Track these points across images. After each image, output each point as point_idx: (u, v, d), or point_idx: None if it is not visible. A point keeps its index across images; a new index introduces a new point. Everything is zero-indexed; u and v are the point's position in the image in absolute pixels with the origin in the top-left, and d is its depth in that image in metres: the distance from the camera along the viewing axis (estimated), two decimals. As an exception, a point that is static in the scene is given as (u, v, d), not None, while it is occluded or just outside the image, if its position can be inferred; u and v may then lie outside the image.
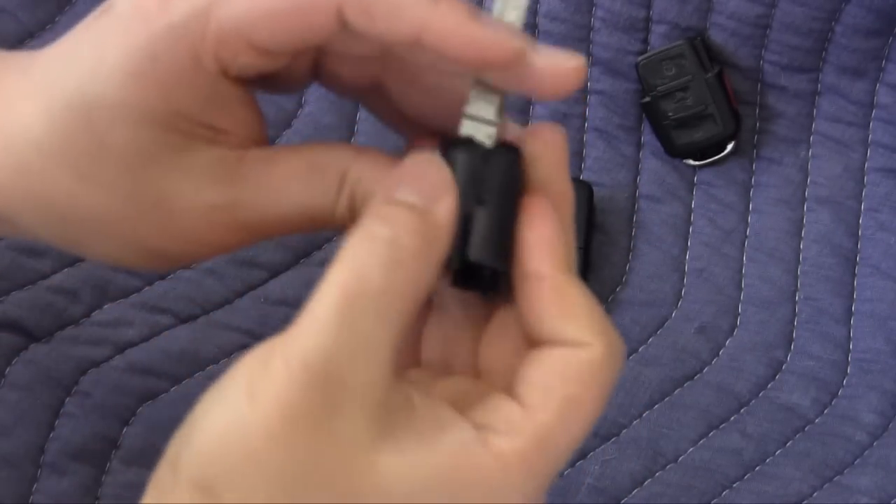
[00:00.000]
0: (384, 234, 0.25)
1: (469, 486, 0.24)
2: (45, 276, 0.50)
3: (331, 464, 0.23)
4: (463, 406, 0.26)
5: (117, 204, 0.28)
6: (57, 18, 0.54)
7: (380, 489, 0.23)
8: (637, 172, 0.59)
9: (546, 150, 0.28)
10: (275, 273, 0.54)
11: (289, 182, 0.28)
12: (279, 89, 0.31)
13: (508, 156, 0.27)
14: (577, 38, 0.57)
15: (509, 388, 0.27)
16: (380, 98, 0.30)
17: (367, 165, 0.28)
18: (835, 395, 0.56)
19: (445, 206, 0.26)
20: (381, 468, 0.23)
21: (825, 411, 0.55)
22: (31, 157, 0.28)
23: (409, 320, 0.25)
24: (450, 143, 0.27)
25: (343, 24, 0.26)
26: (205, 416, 0.24)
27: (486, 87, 0.27)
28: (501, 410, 0.26)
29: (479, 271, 0.28)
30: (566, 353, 0.26)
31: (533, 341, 0.27)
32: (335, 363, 0.24)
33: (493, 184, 0.27)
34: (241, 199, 0.28)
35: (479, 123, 0.27)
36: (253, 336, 0.52)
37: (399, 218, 0.25)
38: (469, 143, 0.27)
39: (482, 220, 0.27)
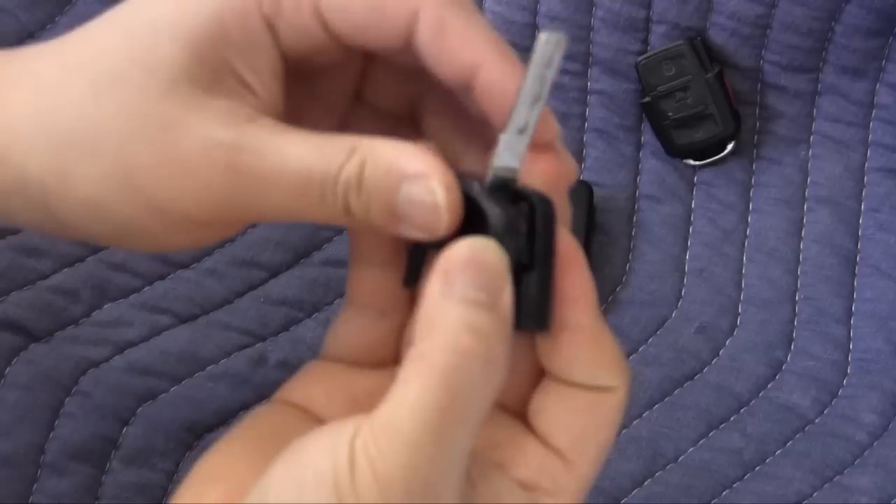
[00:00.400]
0: (479, 351, 0.24)
1: None
2: (45, 276, 0.50)
3: None
4: (492, 445, 0.27)
5: (124, 121, 0.27)
6: (57, 18, 0.54)
7: None
8: (637, 172, 0.59)
9: (561, 204, 0.28)
10: (275, 273, 0.54)
11: (297, 141, 0.28)
12: (312, 100, 0.31)
13: (549, 212, 0.26)
14: (577, 38, 0.57)
15: (524, 418, 0.28)
16: (407, 129, 0.31)
17: (382, 142, 0.28)
18: (835, 395, 0.56)
19: (507, 297, 0.25)
20: None
21: (825, 411, 0.55)
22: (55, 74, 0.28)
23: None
24: (483, 197, 0.26)
25: (410, 37, 0.28)
26: None
27: (515, 138, 0.27)
28: (545, 467, 0.26)
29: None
30: (600, 398, 0.27)
31: (552, 375, 0.28)
32: (430, 486, 0.23)
33: (540, 246, 0.26)
34: (246, 144, 0.27)
35: (503, 173, 0.27)
36: (253, 336, 0.52)
37: (484, 325, 0.24)
38: (503, 198, 0.26)
39: (532, 286, 0.26)
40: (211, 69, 0.28)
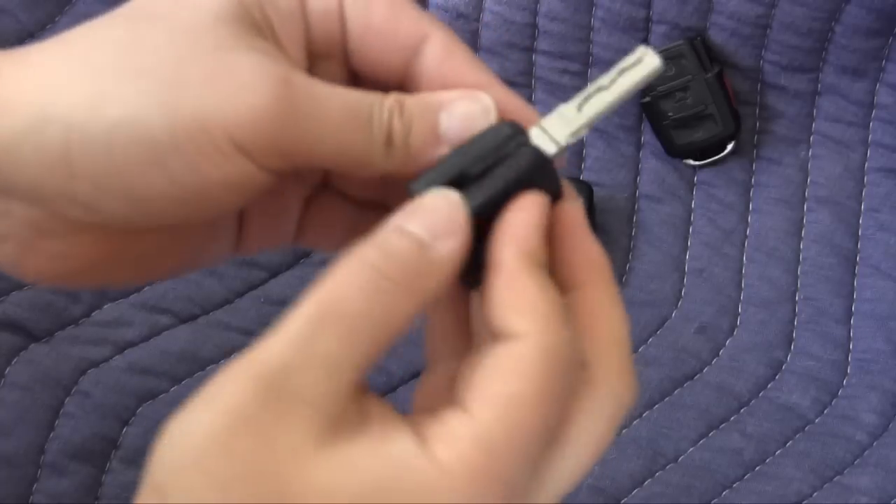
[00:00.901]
0: (372, 260, 0.25)
1: (408, 493, 0.24)
2: (45, 276, 0.50)
3: (266, 468, 0.24)
4: (428, 415, 0.26)
5: (169, 44, 0.27)
6: (57, 18, 0.54)
7: (314, 495, 0.24)
8: (637, 172, 0.59)
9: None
10: (275, 273, 0.54)
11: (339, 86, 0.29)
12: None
13: (530, 164, 0.27)
14: (577, 38, 0.57)
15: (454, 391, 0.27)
16: (375, 215, 0.31)
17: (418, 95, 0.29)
18: (835, 395, 0.56)
19: (449, 246, 0.26)
20: (317, 475, 0.24)
21: (825, 411, 0.55)
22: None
23: (383, 346, 0.25)
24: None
25: (413, 58, 0.29)
26: (171, 422, 0.25)
27: (581, 122, 0.28)
28: (447, 418, 0.26)
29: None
30: (505, 347, 0.26)
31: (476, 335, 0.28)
32: (289, 376, 0.24)
33: (494, 195, 0.27)
34: (295, 74, 0.28)
35: (547, 139, 0.28)
36: (253, 336, 0.52)
37: (394, 247, 0.25)
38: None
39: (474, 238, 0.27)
40: (253, 18, 0.28)
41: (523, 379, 0.25)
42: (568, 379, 0.26)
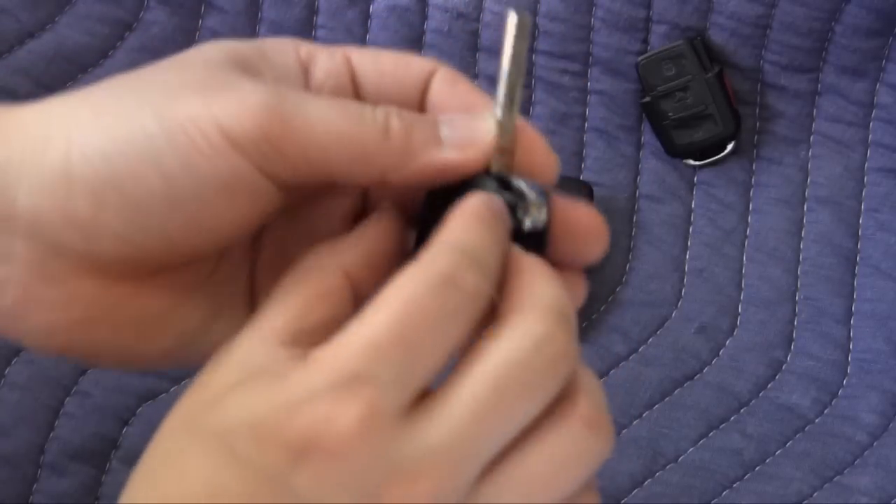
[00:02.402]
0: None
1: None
2: (45, 276, 0.50)
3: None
4: None
5: (168, 78, 0.28)
6: (57, 18, 0.54)
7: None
8: (637, 172, 0.59)
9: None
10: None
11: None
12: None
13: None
14: (577, 38, 0.57)
15: None
16: None
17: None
18: (835, 395, 0.56)
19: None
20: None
21: (825, 411, 0.55)
22: None
23: None
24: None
25: (424, 93, 0.31)
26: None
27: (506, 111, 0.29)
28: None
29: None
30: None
31: None
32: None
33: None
34: (288, 93, 0.28)
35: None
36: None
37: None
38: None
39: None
40: (251, 72, 0.29)
41: (392, 294, 0.25)
42: (450, 311, 0.25)
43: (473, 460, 0.25)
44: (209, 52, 0.29)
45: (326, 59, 0.31)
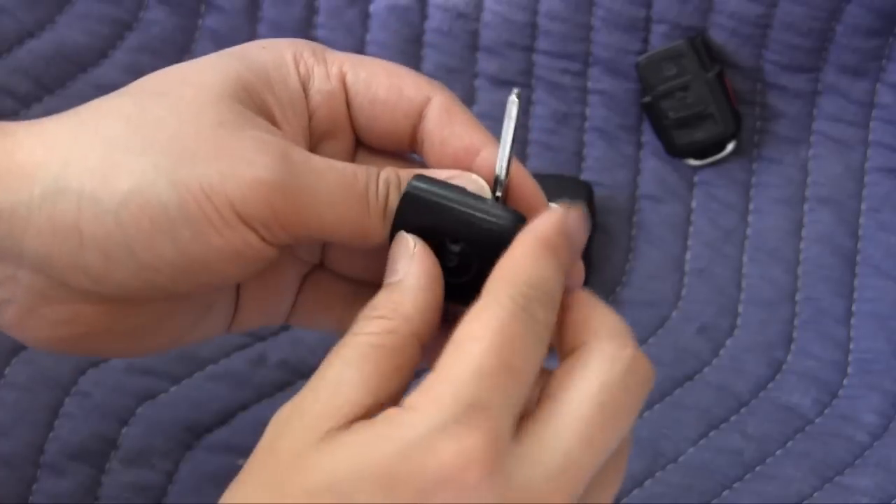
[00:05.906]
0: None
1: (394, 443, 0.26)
2: (44, 276, 0.50)
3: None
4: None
5: (176, 119, 0.28)
6: (57, 18, 0.54)
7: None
8: (637, 172, 0.59)
9: None
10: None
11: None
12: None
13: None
14: (577, 37, 0.57)
15: None
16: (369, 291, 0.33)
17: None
18: (835, 395, 0.56)
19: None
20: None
21: (825, 411, 0.55)
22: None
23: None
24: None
25: (419, 123, 0.31)
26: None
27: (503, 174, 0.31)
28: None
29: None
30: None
31: None
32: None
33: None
34: (294, 149, 0.29)
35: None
36: (253, 336, 0.52)
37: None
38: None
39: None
40: (255, 102, 0.30)
41: (477, 326, 0.26)
42: (532, 337, 0.27)
43: (586, 480, 0.26)
44: (216, 87, 0.29)
45: (323, 82, 0.31)
